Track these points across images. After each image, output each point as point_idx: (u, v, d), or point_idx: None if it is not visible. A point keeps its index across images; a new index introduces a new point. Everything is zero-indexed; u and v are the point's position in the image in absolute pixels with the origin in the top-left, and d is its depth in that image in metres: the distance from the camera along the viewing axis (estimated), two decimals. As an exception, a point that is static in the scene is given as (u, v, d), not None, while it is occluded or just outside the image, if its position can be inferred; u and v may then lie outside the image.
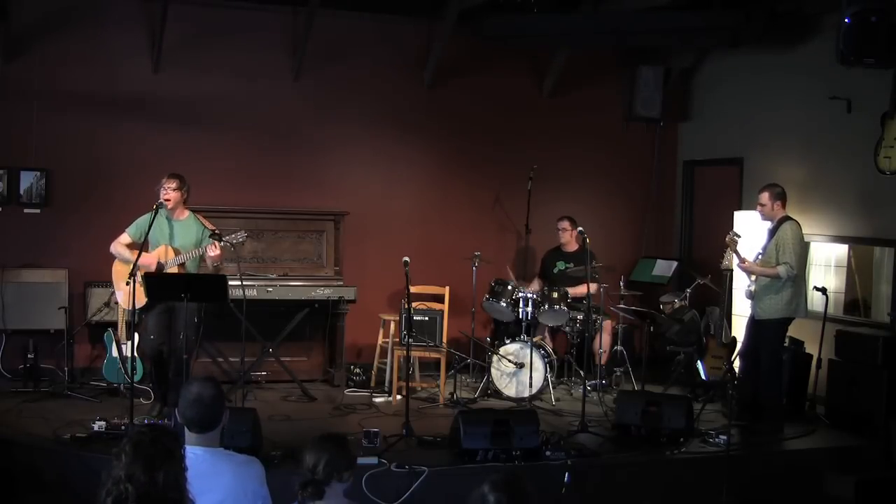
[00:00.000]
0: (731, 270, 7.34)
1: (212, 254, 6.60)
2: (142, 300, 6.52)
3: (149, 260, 6.64)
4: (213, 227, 6.86)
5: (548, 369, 7.92)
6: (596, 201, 9.70)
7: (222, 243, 6.61)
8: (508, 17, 8.51)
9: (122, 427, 6.11)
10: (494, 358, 7.92)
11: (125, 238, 6.87)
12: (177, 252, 6.73)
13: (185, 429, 3.53)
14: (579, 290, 8.28)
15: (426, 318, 7.91)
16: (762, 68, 8.93)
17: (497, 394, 7.94)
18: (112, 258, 6.93)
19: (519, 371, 7.79)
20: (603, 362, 8.31)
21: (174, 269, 6.70)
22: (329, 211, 8.72)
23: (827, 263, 8.26)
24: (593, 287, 7.79)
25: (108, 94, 8.46)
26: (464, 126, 9.40)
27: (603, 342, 8.29)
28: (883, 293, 7.80)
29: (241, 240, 6.70)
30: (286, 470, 5.16)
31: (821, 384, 7.63)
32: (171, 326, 6.74)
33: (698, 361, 8.06)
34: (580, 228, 8.06)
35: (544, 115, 9.61)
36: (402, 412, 6.81)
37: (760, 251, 7.26)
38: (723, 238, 7.30)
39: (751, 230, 7.93)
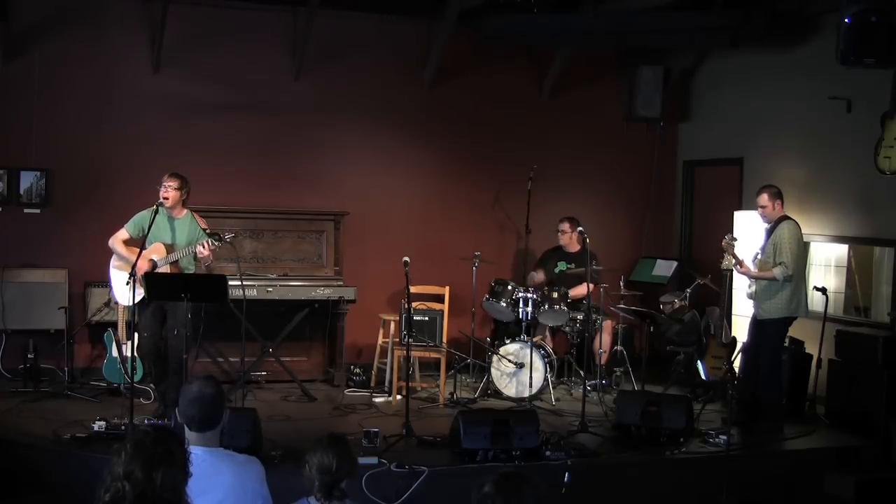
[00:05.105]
0: (731, 271, 7.34)
1: (200, 255, 6.60)
2: (138, 297, 6.52)
3: (142, 265, 6.63)
4: (207, 227, 6.88)
5: (548, 369, 7.92)
6: (596, 201, 9.70)
7: (213, 245, 6.60)
8: (508, 17, 8.51)
9: (122, 427, 6.11)
10: (494, 358, 7.92)
11: (123, 234, 6.88)
12: (170, 250, 6.74)
13: (186, 428, 3.55)
14: (579, 290, 8.28)
15: (426, 318, 7.91)
16: (762, 68, 8.93)
17: (497, 394, 7.94)
18: (111, 253, 6.95)
19: (519, 371, 7.79)
20: (603, 362, 8.31)
21: (166, 269, 6.70)
22: (329, 211, 8.72)
23: (827, 263, 8.26)
24: (593, 288, 7.80)
25: (108, 93, 8.47)
26: (464, 126, 9.41)
27: (603, 342, 8.29)
28: (883, 293, 7.80)
29: (227, 239, 6.69)
30: (286, 470, 5.16)
31: (821, 384, 7.63)
32: (165, 324, 6.76)
33: (698, 361, 8.06)
34: (580, 228, 8.08)
35: (544, 115, 9.61)
36: (402, 412, 6.81)
37: (759, 251, 7.27)
38: (723, 238, 7.31)
39: (750, 230, 7.94)
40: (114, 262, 6.96)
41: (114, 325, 7.67)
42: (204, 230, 6.81)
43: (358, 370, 8.35)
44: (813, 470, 6.68)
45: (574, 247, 8.69)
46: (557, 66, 9.43)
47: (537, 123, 9.57)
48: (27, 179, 8.29)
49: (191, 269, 6.82)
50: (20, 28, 8.17)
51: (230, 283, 6.71)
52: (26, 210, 8.31)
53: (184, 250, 6.71)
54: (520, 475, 3.01)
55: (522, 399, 7.74)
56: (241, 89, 8.80)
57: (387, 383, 8.06)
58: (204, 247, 6.57)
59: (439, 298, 8.43)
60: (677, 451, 6.49)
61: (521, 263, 9.32)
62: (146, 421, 6.15)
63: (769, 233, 7.20)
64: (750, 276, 7.20)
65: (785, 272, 6.96)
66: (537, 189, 9.07)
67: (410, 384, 7.36)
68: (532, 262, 9.18)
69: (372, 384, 8.28)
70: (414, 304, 7.55)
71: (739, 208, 8.89)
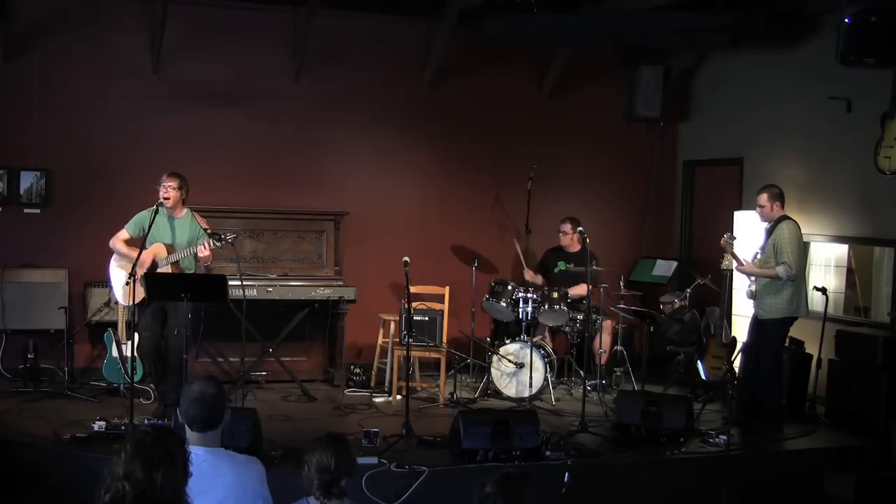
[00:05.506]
0: (731, 271, 7.35)
1: (201, 255, 6.59)
2: (139, 297, 6.51)
3: (145, 258, 6.64)
4: (208, 227, 6.87)
5: (548, 369, 7.92)
6: (596, 201, 9.70)
7: (214, 245, 6.59)
8: (508, 17, 8.50)
9: (122, 427, 6.11)
10: (494, 358, 7.92)
11: (124, 234, 6.88)
12: (170, 250, 6.74)
13: (187, 428, 3.55)
14: (579, 290, 8.28)
15: (426, 318, 7.90)
16: (762, 68, 8.93)
17: (497, 394, 7.94)
18: (111, 253, 6.95)
19: (519, 371, 7.79)
20: (603, 362, 8.31)
21: (167, 268, 6.70)
22: (329, 211, 8.73)
23: (827, 263, 8.26)
24: (592, 288, 7.80)
25: (108, 94, 8.46)
26: (464, 126, 9.41)
27: (603, 342, 8.28)
28: (883, 293, 7.80)
29: (229, 240, 6.68)
30: (286, 470, 5.16)
31: (821, 384, 7.63)
32: (165, 324, 6.75)
33: (698, 361, 8.06)
34: (580, 229, 8.08)
35: (544, 115, 9.61)
36: (402, 412, 6.81)
37: (759, 251, 7.27)
38: (721, 237, 7.32)
39: (750, 230, 7.95)
40: (114, 262, 6.96)
41: (114, 325, 7.67)
42: (205, 230, 6.80)
43: (358, 370, 8.35)
44: (813, 470, 6.68)
45: (575, 247, 8.68)
46: (557, 66, 9.44)
47: (537, 123, 9.57)
48: (27, 179, 8.29)
49: (191, 270, 6.81)
50: (20, 28, 8.17)
51: (230, 283, 6.71)
52: (26, 210, 8.31)
53: (185, 251, 6.71)
54: (522, 475, 3.01)
55: (522, 399, 7.74)
56: (240, 89, 8.79)
57: (387, 383, 8.06)
58: (205, 247, 6.57)
59: (439, 298, 8.43)
60: (677, 451, 6.49)
61: (520, 263, 9.32)
62: (146, 421, 6.15)
63: (769, 233, 7.19)
64: (752, 274, 7.20)
65: (788, 272, 6.94)
66: (537, 189, 9.07)
67: (410, 384, 7.36)
68: (532, 262, 9.19)
69: (372, 384, 8.28)
70: (414, 304, 7.54)
71: (739, 208, 8.90)
